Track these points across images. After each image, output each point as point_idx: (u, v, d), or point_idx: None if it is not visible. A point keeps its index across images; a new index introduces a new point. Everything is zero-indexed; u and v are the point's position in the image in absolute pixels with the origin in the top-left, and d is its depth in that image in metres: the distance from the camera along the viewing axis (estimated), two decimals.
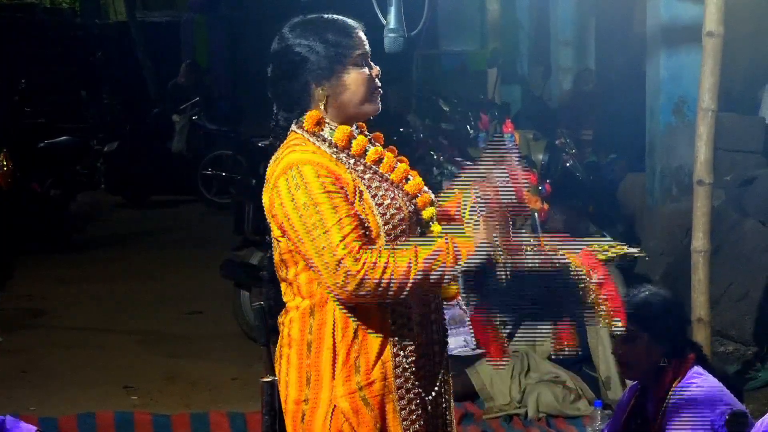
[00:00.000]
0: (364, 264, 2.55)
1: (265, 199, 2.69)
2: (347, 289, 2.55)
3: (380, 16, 3.97)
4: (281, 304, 2.78)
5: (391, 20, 3.95)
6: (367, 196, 2.66)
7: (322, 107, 2.72)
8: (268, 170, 2.69)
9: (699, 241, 5.06)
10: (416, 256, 2.58)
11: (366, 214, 2.65)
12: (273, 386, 2.29)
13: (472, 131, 8.03)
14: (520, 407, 5.39)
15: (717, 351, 5.70)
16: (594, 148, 9.43)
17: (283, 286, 2.78)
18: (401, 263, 2.57)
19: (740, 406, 3.24)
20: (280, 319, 2.77)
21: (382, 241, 2.65)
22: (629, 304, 3.43)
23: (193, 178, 11.51)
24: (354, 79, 2.72)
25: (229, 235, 7.24)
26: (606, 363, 5.35)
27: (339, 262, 2.55)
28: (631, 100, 8.71)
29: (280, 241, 2.70)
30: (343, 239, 2.56)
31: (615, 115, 9.37)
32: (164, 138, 12.01)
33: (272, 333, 2.98)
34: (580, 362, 5.51)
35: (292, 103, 2.75)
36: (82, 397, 5.63)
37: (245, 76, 14.48)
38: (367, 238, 2.62)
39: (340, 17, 2.76)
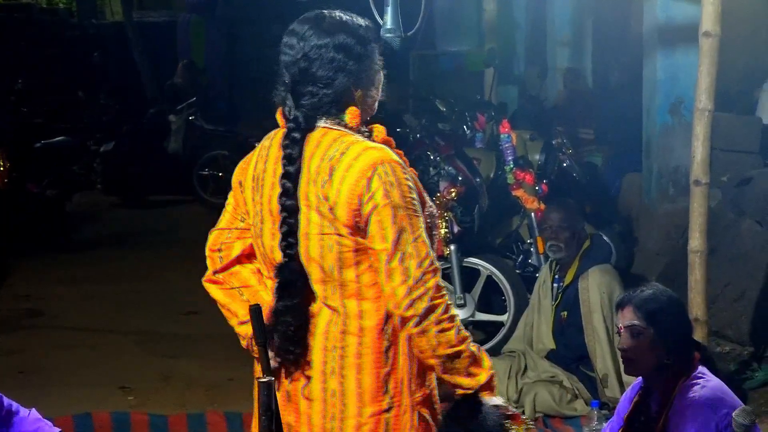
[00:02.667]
0: (443, 297, 2.43)
1: (333, 192, 2.44)
2: (415, 306, 2.41)
3: (377, 16, 3.97)
4: None
5: (388, 20, 3.95)
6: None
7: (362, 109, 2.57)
8: (339, 164, 2.44)
9: (696, 241, 5.06)
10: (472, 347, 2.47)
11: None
12: (270, 386, 2.26)
13: (468, 131, 8.01)
14: (516, 407, 5.38)
15: (714, 351, 5.70)
16: (591, 147, 9.42)
17: (320, 288, 2.53)
18: (463, 333, 2.46)
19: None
20: (315, 328, 2.54)
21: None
22: (637, 299, 3.42)
23: (189, 178, 11.48)
24: (380, 80, 2.62)
25: None
26: (603, 361, 5.34)
27: (422, 276, 2.40)
28: (628, 101, 8.71)
29: (341, 236, 2.46)
30: (428, 254, 2.42)
31: (612, 115, 9.36)
32: (161, 138, 11.98)
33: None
34: (577, 361, 5.51)
35: (321, 105, 2.52)
36: (78, 398, 5.62)
37: (242, 77, 14.45)
38: None
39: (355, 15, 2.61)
